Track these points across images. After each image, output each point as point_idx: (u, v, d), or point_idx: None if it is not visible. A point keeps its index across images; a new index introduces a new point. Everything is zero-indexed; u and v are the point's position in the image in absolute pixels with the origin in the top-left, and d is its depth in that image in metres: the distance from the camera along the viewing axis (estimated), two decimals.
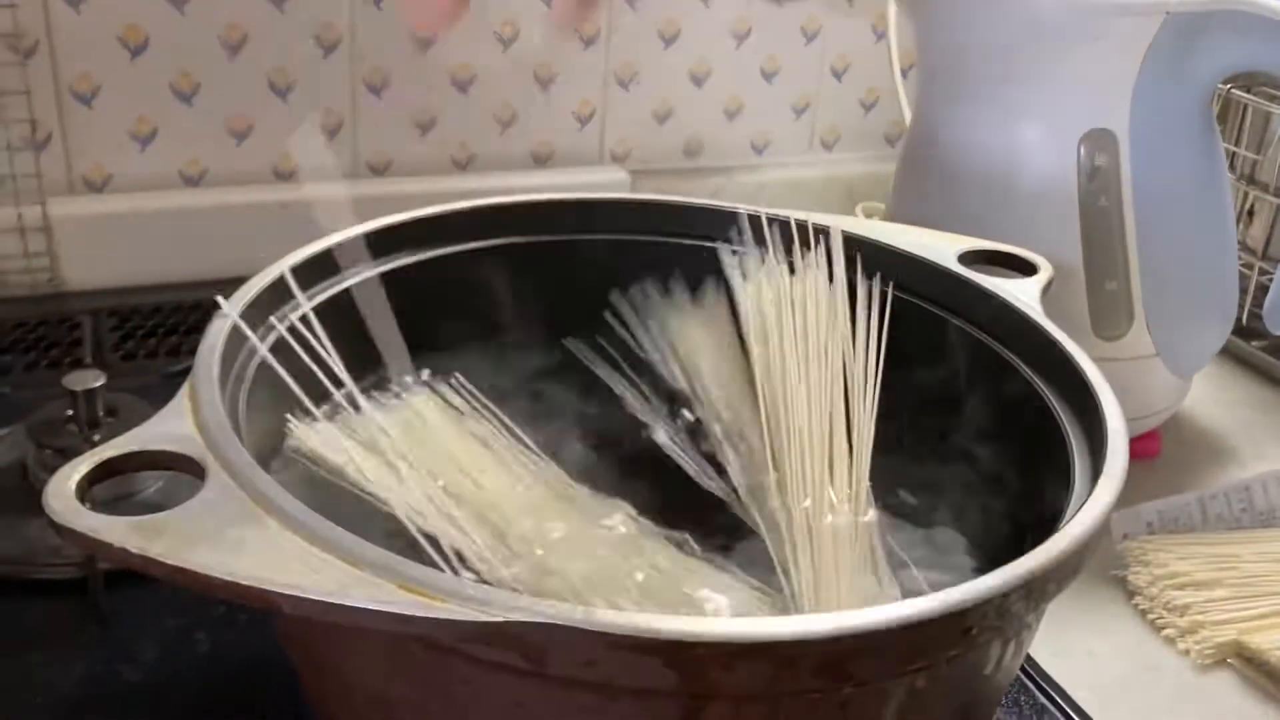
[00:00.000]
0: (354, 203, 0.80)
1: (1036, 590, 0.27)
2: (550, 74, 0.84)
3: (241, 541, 0.25)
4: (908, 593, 0.37)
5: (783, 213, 0.51)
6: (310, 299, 0.44)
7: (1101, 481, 0.31)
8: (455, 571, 0.32)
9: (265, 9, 0.75)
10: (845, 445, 0.41)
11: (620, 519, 0.39)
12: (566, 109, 0.86)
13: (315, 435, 0.37)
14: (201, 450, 0.28)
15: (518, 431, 0.43)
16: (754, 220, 0.50)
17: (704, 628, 0.24)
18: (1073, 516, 0.30)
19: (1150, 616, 0.54)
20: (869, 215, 0.91)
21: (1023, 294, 0.44)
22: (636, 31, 0.85)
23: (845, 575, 0.37)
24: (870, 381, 0.42)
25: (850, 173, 0.95)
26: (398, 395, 0.43)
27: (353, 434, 0.39)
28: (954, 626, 0.26)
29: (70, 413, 0.52)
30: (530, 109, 0.85)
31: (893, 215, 0.68)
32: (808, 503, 0.39)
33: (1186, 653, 0.52)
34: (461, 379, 0.44)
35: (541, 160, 0.87)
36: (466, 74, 0.82)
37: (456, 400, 0.44)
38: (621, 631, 0.24)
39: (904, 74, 0.84)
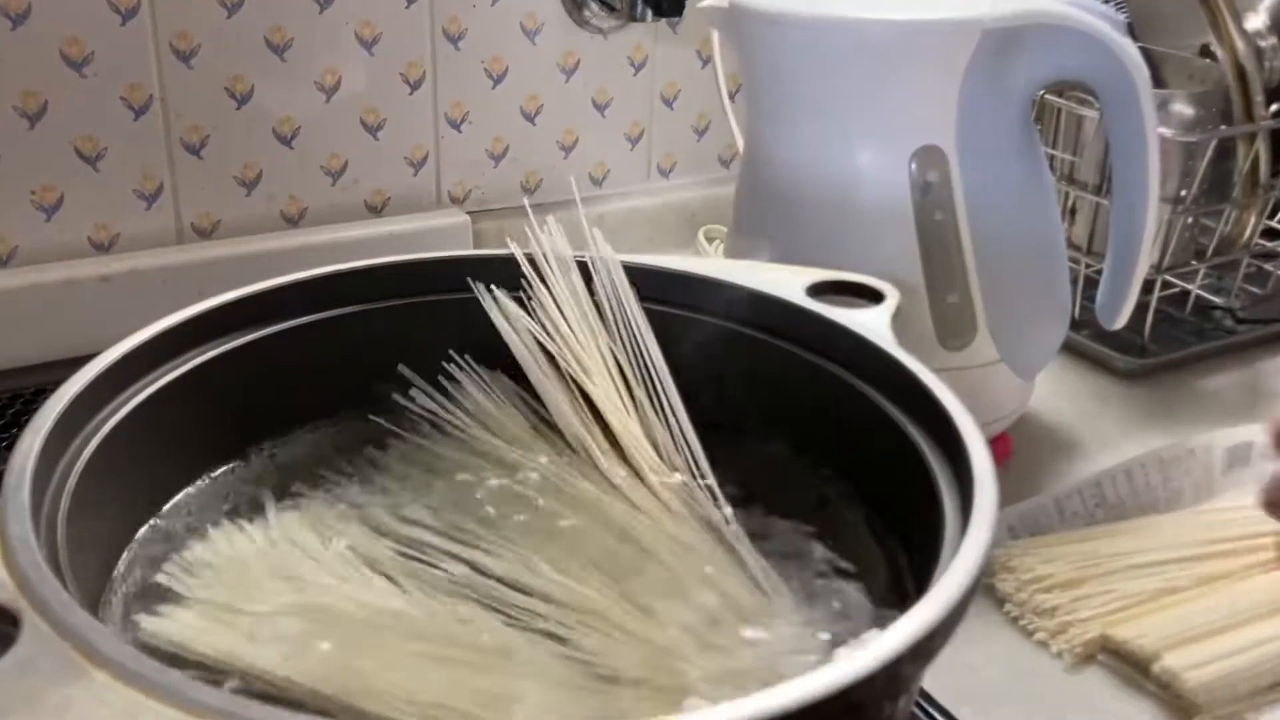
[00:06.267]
0: (183, 269, 0.77)
1: (904, 667, 0.27)
2: (378, 120, 0.82)
3: (67, 703, 0.23)
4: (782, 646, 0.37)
5: (629, 258, 0.50)
6: (139, 392, 0.41)
7: (970, 536, 0.30)
8: None
9: (63, 75, 0.71)
10: None
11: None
12: (398, 154, 0.84)
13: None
14: (12, 598, 0.26)
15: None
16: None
17: None
18: (940, 577, 0.29)
19: (1021, 622, 0.55)
20: (711, 239, 0.92)
21: (872, 324, 0.44)
22: (462, 71, 0.84)
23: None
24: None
25: (690, 198, 0.96)
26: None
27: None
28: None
29: None
30: (360, 157, 0.82)
31: (733, 243, 0.68)
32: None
33: (1058, 654, 0.53)
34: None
35: (377, 209, 0.84)
36: (289, 126, 0.79)
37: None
38: None
39: (732, 98, 0.85)
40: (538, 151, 0.89)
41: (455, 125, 0.85)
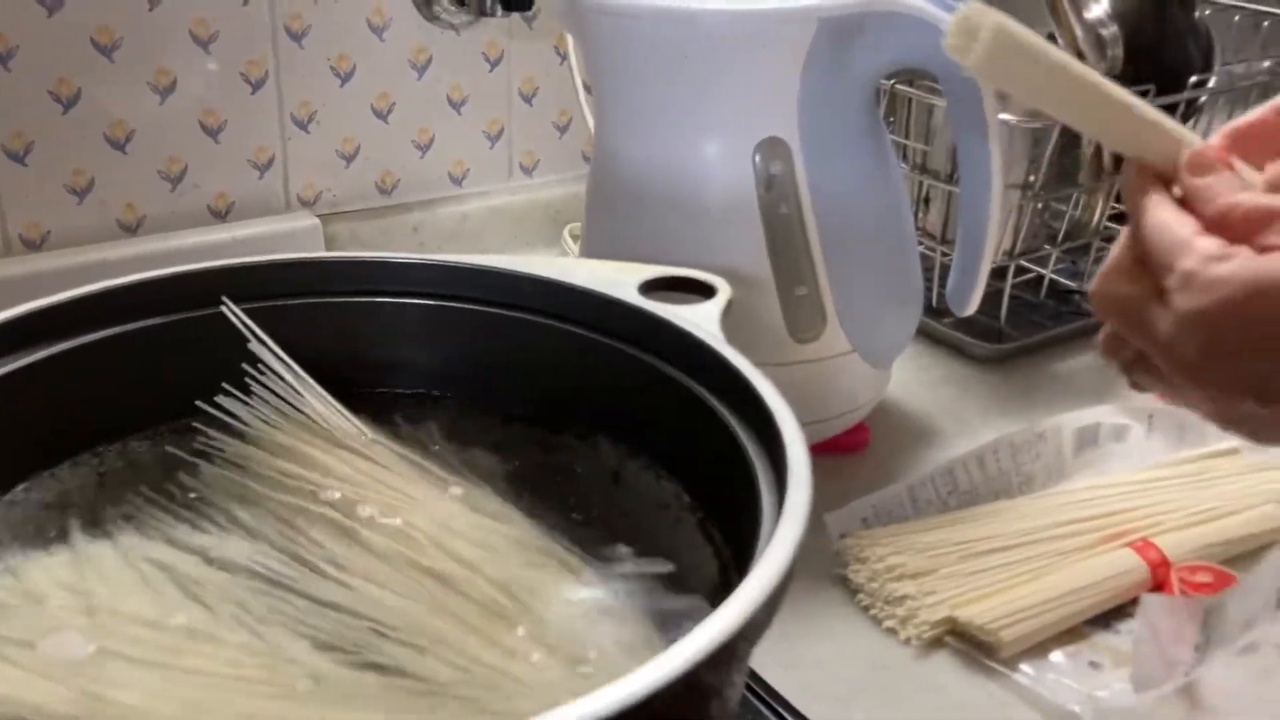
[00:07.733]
0: (10, 284, 0.73)
1: (715, 665, 0.26)
2: (218, 121, 0.79)
3: None
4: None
5: (457, 258, 0.49)
6: None
7: (781, 531, 0.29)
8: None
9: None
10: None
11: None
12: (241, 156, 0.81)
13: None
14: None
15: None
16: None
17: None
18: (752, 570, 0.28)
19: (872, 612, 0.54)
20: (576, 238, 0.90)
21: (701, 319, 0.43)
22: (308, 69, 0.81)
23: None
24: None
25: (553, 195, 0.94)
26: None
27: None
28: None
29: None
30: (200, 160, 0.79)
31: (586, 240, 0.67)
32: None
33: (907, 641, 0.52)
34: None
35: (220, 214, 0.81)
36: (122, 130, 0.75)
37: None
38: None
39: (589, 93, 0.84)
40: (392, 151, 0.87)
41: (302, 125, 0.82)
